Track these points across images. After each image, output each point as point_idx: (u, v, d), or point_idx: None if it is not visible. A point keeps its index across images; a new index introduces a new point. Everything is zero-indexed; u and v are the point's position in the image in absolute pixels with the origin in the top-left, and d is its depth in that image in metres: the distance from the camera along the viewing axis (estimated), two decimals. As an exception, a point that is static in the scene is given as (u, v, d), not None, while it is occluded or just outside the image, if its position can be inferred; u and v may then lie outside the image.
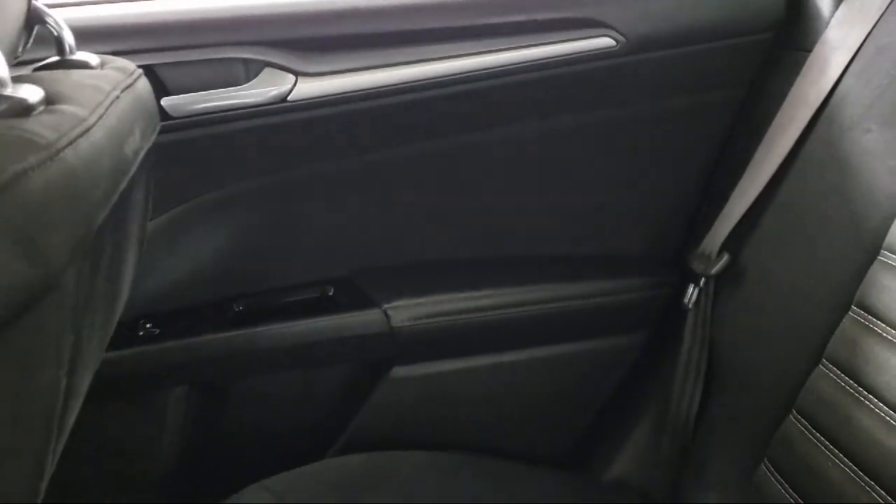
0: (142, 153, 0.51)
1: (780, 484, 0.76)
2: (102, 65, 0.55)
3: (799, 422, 0.76)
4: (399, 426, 1.00)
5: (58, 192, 0.34)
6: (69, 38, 0.54)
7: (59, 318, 0.36)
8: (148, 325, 0.93)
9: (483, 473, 0.95)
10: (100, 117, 0.42)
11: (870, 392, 0.70)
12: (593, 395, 1.07)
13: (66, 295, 0.36)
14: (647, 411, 1.03)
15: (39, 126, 0.36)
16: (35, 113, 0.38)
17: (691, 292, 0.93)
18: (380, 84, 0.87)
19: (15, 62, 0.49)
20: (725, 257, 0.89)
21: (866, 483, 0.67)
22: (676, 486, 0.94)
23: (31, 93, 0.39)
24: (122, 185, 0.45)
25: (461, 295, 0.99)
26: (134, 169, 0.48)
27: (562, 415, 1.07)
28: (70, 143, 0.37)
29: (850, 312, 0.75)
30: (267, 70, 0.85)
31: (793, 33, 0.93)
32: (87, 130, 0.39)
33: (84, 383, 0.47)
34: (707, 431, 0.91)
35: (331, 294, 1.00)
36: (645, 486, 1.00)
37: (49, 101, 0.40)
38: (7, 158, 0.33)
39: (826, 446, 0.72)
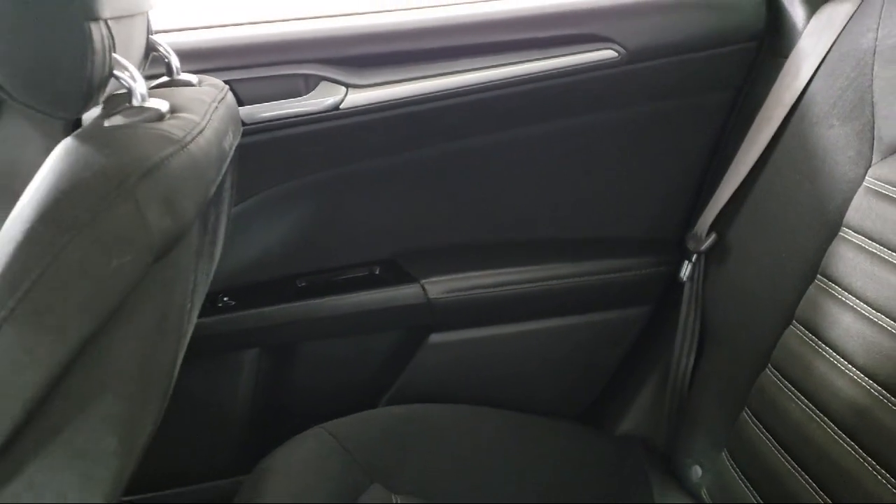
0: (233, 148, 0.65)
1: (756, 426, 0.86)
2: (200, 82, 0.69)
3: (773, 373, 0.86)
4: (437, 384, 1.10)
5: (187, 171, 0.48)
6: (175, 62, 0.68)
7: (187, 258, 0.49)
8: (226, 298, 1.04)
9: (509, 425, 1.05)
10: (208, 121, 0.56)
11: (826, 344, 0.79)
12: (605, 359, 1.16)
13: (191, 242, 0.50)
14: (652, 373, 1.12)
15: (171, 127, 0.50)
16: (166, 118, 0.52)
17: (686, 268, 1.03)
18: (417, 93, 0.97)
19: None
20: (713, 236, 0.98)
21: (820, 419, 0.77)
22: (674, 434, 1.03)
23: (162, 104, 0.53)
24: (223, 170, 0.59)
25: (488, 272, 1.08)
26: (228, 159, 0.62)
27: (578, 376, 1.16)
28: (193, 139, 0.50)
29: (815, 280, 0.84)
30: (323, 83, 0.95)
31: (773, 42, 1.01)
32: (202, 131, 0.53)
33: (195, 315, 0.61)
34: (699, 386, 1.00)
35: (377, 272, 1.09)
36: (650, 437, 1.09)
37: (173, 110, 0.54)
38: (153, 149, 0.47)
39: (792, 392, 0.82)
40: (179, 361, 0.57)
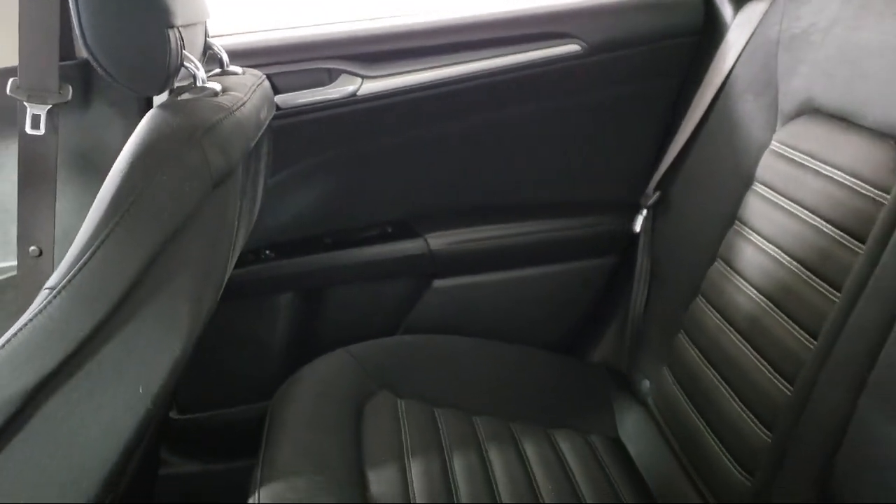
0: (267, 120, 0.84)
1: (687, 342, 1.02)
2: (244, 72, 0.89)
3: (700, 300, 1.02)
4: (439, 320, 1.27)
5: (234, 130, 0.68)
6: (225, 58, 0.88)
7: (234, 189, 0.69)
8: (268, 252, 1.22)
9: (498, 352, 1.22)
10: (249, 98, 0.75)
11: (735, 272, 0.96)
12: (579, 300, 1.32)
13: (237, 178, 0.69)
14: (617, 310, 1.28)
15: (223, 100, 0.70)
16: (220, 95, 0.72)
17: (638, 221, 1.20)
18: (420, 82, 1.14)
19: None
20: (658, 194, 1.15)
21: (727, 328, 0.93)
22: (631, 357, 1.20)
23: (216, 86, 0.73)
24: (259, 134, 0.78)
25: (481, 228, 1.25)
26: (264, 127, 0.82)
27: (557, 314, 1.32)
28: (238, 109, 0.70)
29: (733, 225, 1.01)
30: (343, 75, 1.12)
31: (708, 36, 1.17)
32: (244, 104, 0.73)
33: (241, 236, 0.80)
34: (649, 316, 1.16)
35: (389, 231, 1.26)
36: (614, 362, 1.26)
37: (224, 90, 0.74)
38: (212, 114, 0.66)
39: (711, 311, 0.98)
40: (230, 266, 0.76)
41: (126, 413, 0.65)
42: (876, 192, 0.76)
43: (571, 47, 1.16)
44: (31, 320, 0.61)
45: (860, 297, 0.69)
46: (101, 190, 0.62)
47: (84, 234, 0.61)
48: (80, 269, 0.60)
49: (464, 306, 1.29)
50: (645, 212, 1.18)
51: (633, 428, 1.12)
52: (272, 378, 1.26)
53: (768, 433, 0.81)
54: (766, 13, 1.06)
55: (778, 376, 0.82)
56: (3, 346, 0.61)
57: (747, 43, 1.07)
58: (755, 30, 1.07)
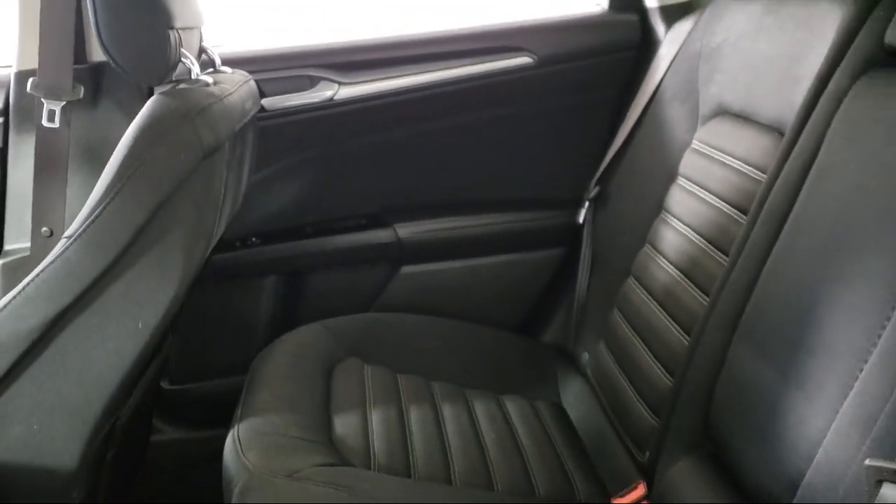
0: (251, 112, 0.98)
1: (618, 316, 1.14)
2: (233, 73, 1.02)
3: (631, 280, 1.14)
4: (407, 302, 1.38)
5: (223, 113, 0.81)
6: (217, 59, 1.01)
7: (221, 162, 0.82)
8: (254, 239, 1.33)
9: (458, 331, 1.33)
10: (236, 90, 0.88)
11: (657, 251, 1.08)
12: (533, 286, 1.43)
13: (224, 152, 0.82)
14: (566, 294, 1.40)
15: (214, 90, 0.83)
16: (211, 86, 0.85)
17: (581, 213, 1.33)
18: (390, 88, 1.28)
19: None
20: (597, 188, 1.28)
21: (648, 298, 1.06)
22: (576, 335, 1.33)
23: (209, 79, 0.86)
24: (245, 120, 0.91)
25: (444, 220, 1.37)
26: (249, 116, 0.95)
27: (511, 298, 1.43)
28: (226, 97, 0.83)
29: (660, 214, 1.14)
30: (322, 81, 1.26)
31: (644, 51, 1.30)
32: (231, 94, 0.86)
33: (227, 207, 0.93)
34: (591, 297, 1.29)
35: (363, 221, 1.38)
36: (562, 342, 1.38)
37: (215, 82, 0.87)
38: (204, 99, 0.80)
39: (637, 286, 1.10)
40: (219, 228, 0.89)
41: (128, 345, 0.77)
42: (759, 173, 0.90)
43: (524, 59, 1.30)
44: (51, 263, 0.74)
45: (739, 257, 0.82)
46: (111, 158, 0.75)
47: (97, 193, 0.74)
48: (92, 221, 0.73)
49: (429, 290, 1.40)
50: (587, 204, 1.31)
51: (573, 396, 1.24)
52: (256, 353, 1.36)
53: (670, 378, 0.94)
54: (691, 30, 1.19)
55: (680, 329, 0.95)
56: (27, 284, 0.74)
57: (675, 56, 1.21)
58: (682, 45, 1.20)
